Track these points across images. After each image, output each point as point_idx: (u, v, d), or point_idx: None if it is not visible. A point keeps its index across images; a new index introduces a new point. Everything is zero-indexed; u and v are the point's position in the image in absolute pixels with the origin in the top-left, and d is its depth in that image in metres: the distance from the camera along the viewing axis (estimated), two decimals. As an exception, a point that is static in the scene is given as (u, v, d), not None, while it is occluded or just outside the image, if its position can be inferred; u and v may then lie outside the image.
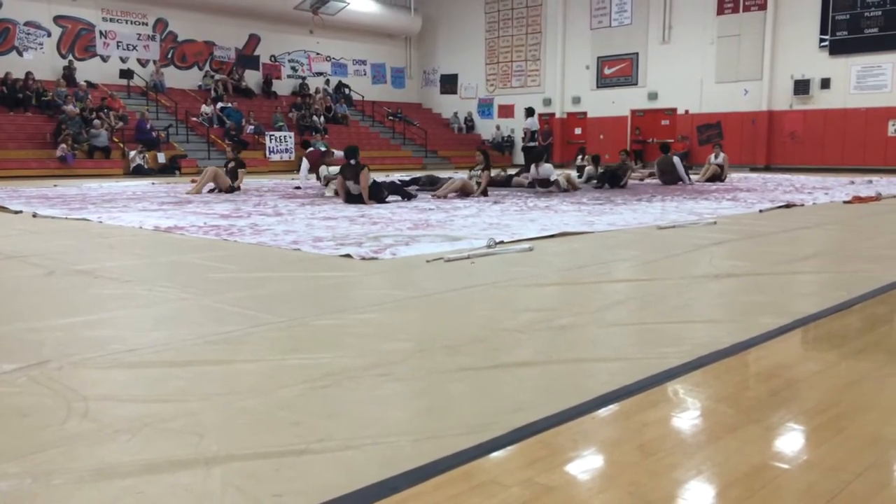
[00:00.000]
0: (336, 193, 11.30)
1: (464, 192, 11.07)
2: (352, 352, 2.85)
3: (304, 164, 14.67)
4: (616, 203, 9.87)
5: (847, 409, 2.26)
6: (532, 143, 14.73)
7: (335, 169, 11.57)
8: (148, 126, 20.13)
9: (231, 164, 12.42)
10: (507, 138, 27.38)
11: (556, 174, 12.29)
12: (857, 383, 2.51)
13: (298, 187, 13.49)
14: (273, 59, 26.28)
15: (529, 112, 15.16)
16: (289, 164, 21.74)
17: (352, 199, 9.79)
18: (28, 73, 19.93)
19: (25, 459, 1.88)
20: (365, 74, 28.83)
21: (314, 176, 13.42)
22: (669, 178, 14.24)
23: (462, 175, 11.60)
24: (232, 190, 12.10)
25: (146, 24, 23.18)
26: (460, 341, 2.99)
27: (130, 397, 2.36)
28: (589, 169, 14.61)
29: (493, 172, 12.26)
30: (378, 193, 9.95)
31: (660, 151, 15.14)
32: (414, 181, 13.16)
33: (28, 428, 2.10)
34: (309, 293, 4.10)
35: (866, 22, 20.31)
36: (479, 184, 11.23)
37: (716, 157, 15.70)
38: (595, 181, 13.59)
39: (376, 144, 25.23)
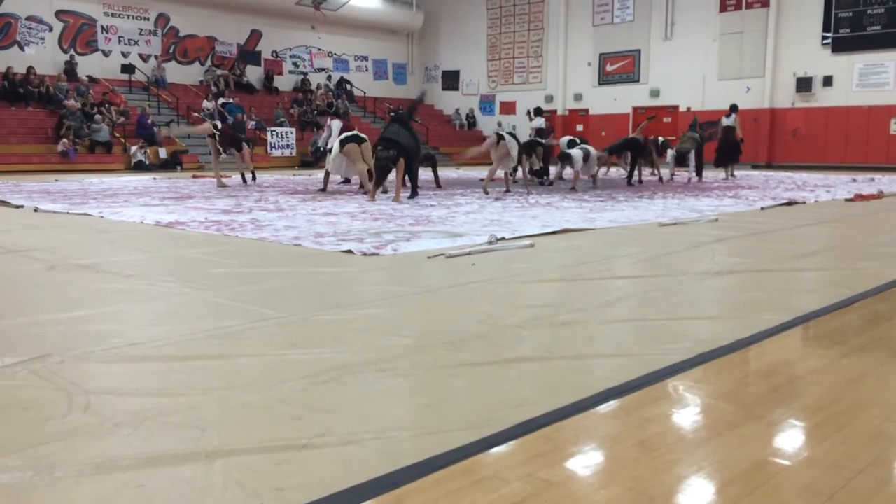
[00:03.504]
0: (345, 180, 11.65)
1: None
2: (353, 347, 2.85)
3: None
4: (618, 200, 9.88)
5: (848, 406, 2.25)
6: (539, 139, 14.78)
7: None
8: (149, 121, 20.13)
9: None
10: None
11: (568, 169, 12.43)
12: (859, 380, 2.51)
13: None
14: (275, 54, 26.27)
15: (538, 112, 15.29)
16: (290, 160, 21.73)
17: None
18: (30, 68, 19.93)
19: (26, 453, 1.88)
20: (367, 70, 28.82)
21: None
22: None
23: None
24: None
25: (148, 19, 23.17)
26: (461, 337, 2.99)
27: (131, 391, 2.36)
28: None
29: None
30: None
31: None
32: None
33: (29, 421, 2.11)
34: (310, 288, 4.10)
35: (869, 19, 20.27)
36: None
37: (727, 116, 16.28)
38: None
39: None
